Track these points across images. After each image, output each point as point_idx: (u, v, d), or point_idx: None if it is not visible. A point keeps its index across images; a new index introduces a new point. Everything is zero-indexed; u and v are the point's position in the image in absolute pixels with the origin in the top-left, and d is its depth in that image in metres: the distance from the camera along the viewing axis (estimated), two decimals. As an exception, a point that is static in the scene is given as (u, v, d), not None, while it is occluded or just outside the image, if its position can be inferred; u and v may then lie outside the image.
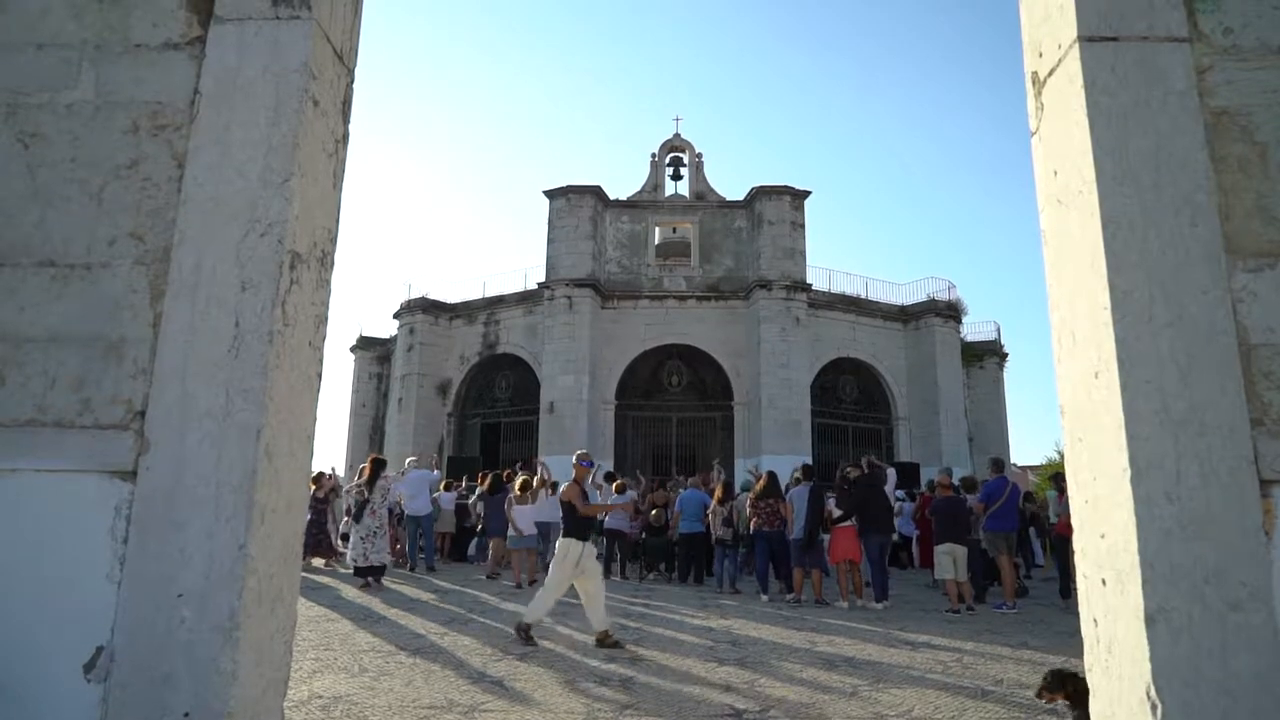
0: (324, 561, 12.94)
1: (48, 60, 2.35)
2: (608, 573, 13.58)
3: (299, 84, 2.30)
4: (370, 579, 10.73)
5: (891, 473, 12.28)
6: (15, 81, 2.33)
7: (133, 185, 2.27)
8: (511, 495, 12.23)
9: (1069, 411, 2.23)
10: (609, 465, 19.71)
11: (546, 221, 22.77)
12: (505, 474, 14.12)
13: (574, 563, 7.14)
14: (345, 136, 2.61)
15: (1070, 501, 2.24)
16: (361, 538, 10.87)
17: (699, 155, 24.68)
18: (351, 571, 12.04)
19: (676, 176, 24.83)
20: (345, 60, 2.60)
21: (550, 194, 22.83)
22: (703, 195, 24.01)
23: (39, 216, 2.25)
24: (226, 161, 2.25)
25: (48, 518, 2.05)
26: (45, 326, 2.19)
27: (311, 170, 2.35)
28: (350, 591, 10.25)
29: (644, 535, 13.48)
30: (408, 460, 15.03)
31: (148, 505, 2.04)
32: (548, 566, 12.43)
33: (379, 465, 11.65)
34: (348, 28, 2.62)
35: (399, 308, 25.32)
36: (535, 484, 12.35)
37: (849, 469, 11.73)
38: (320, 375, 2.46)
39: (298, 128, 2.27)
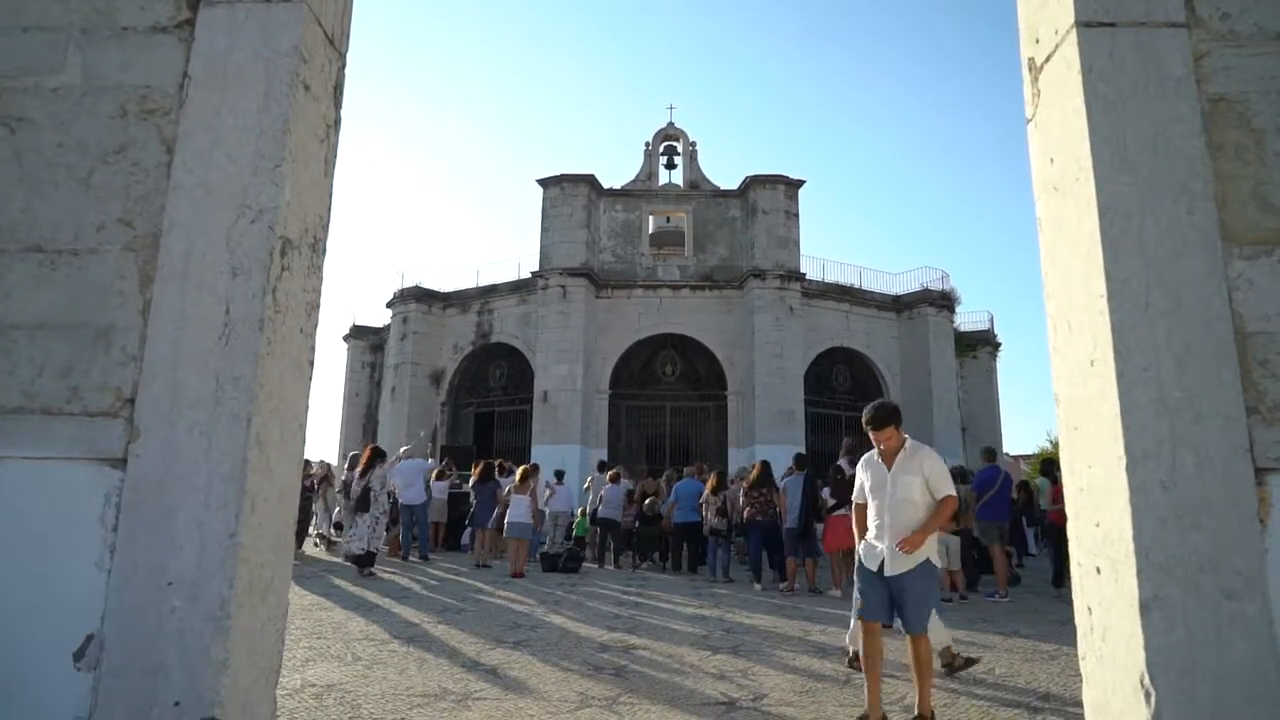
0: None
1: (34, 43, 2.32)
2: (601, 562, 13.63)
3: (290, 68, 2.27)
4: (366, 567, 10.82)
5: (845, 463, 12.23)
6: (0, 65, 2.29)
7: (121, 171, 2.24)
8: (511, 485, 12.27)
9: (1064, 400, 2.22)
10: (603, 454, 19.76)
11: (540, 210, 22.71)
12: (499, 463, 14.12)
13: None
14: (337, 122, 2.58)
15: (1065, 489, 2.24)
16: (368, 526, 10.99)
17: (693, 144, 24.62)
18: (343, 558, 12.09)
19: (670, 165, 24.79)
20: (337, 44, 2.57)
21: (544, 183, 22.76)
22: (697, 184, 23.97)
23: (26, 202, 2.22)
24: (216, 147, 2.22)
25: (36, 505, 2.03)
26: (33, 313, 2.16)
27: (303, 155, 2.33)
28: (343, 579, 10.25)
29: (637, 525, 13.50)
30: (401, 450, 15.02)
31: (138, 493, 2.03)
32: (544, 557, 12.54)
33: (377, 454, 11.72)
34: (339, 11, 2.58)
35: (392, 297, 25.27)
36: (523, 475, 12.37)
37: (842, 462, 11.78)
38: (312, 363, 2.44)
39: (289, 112, 2.24)
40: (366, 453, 11.89)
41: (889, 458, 4.29)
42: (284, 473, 2.25)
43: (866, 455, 4.57)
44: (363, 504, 11.16)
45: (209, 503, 2.02)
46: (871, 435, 4.29)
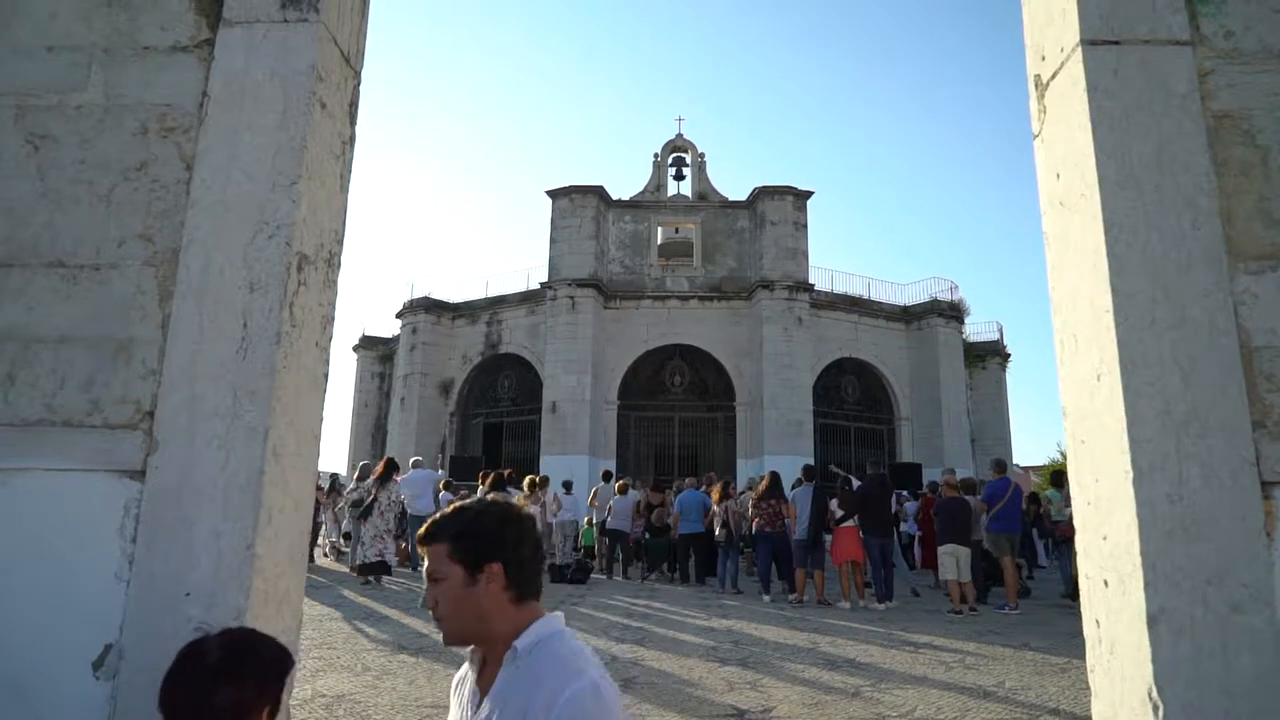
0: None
1: (57, 63, 2.36)
2: (609, 573, 13.62)
3: (307, 86, 2.32)
4: (372, 577, 10.93)
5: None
6: (25, 84, 2.34)
7: (141, 187, 2.29)
8: (519, 495, 12.32)
9: (1071, 414, 2.24)
10: (611, 465, 19.76)
11: (549, 221, 22.81)
12: (508, 473, 14.15)
13: None
14: (352, 138, 2.63)
15: (1073, 502, 2.25)
16: (372, 537, 11.11)
17: (702, 155, 24.70)
18: (349, 568, 12.16)
19: (679, 177, 24.86)
20: (352, 62, 2.62)
21: (553, 194, 22.86)
22: (705, 195, 24.02)
23: (48, 218, 2.26)
24: (234, 164, 2.26)
25: (57, 516, 2.07)
26: (54, 327, 2.20)
27: (319, 172, 2.37)
28: (353, 591, 10.27)
29: (646, 536, 13.49)
30: (411, 460, 15.08)
31: (156, 505, 2.06)
32: (552, 568, 12.56)
33: (391, 466, 11.90)
34: (355, 30, 2.63)
35: (401, 307, 25.38)
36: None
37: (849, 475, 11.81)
38: (326, 376, 2.48)
39: (305, 130, 2.28)
40: (383, 463, 12.09)
41: (488, 666, 1.62)
42: (299, 484, 2.28)
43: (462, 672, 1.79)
44: (365, 513, 11.31)
45: (226, 514, 2.05)
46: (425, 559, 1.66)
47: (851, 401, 23.49)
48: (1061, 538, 11.48)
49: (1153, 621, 1.86)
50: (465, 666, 1.69)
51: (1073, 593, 10.59)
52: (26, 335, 2.19)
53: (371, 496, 11.44)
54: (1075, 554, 2.20)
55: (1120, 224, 2.07)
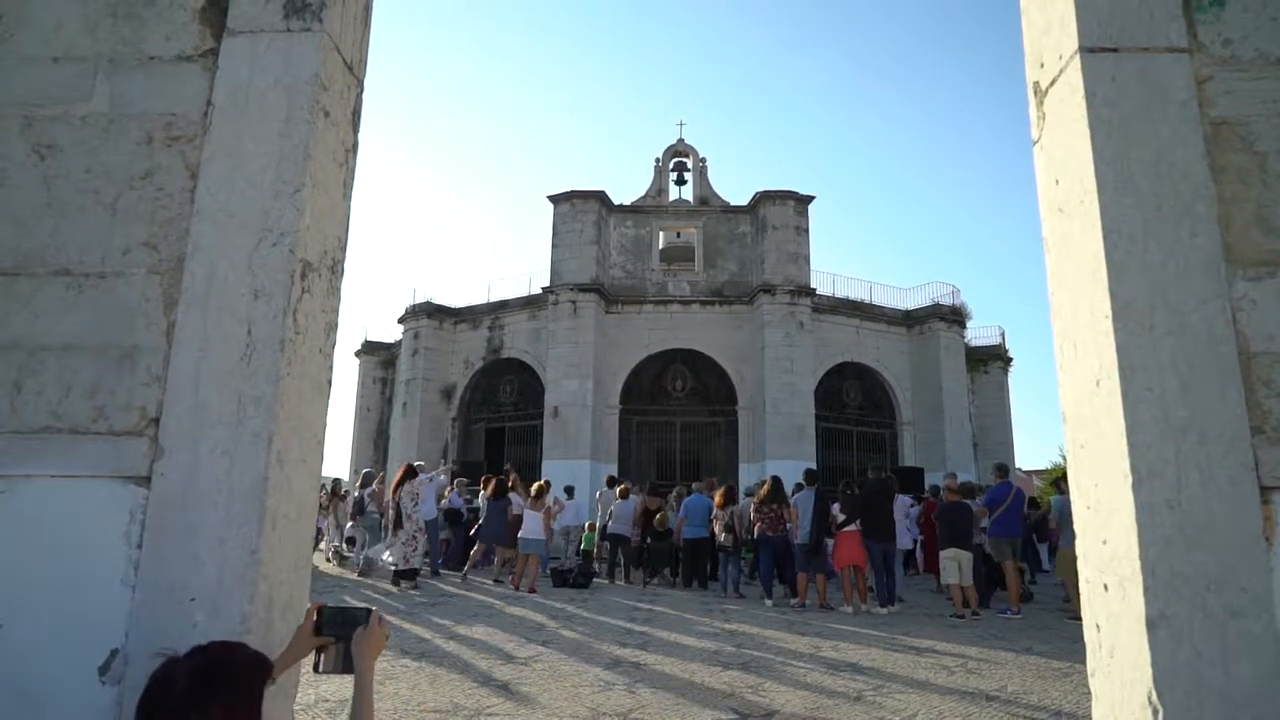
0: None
1: (63, 73, 2.38)
2: (612, 577, 13.61)
3: (310, 95, 2.33)
4: (403, 582, 11.22)
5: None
6: (31, 94, 2.36)
7: (146, 196, 2.30)
8: (525, 502, 12.39)
9: (1071, 419, 2.25)
10: (613, 470, 19.76)
11: (551, 226, 22.82)
12: (511, 480, 14.17)
13: None
14: (355, 146, 2.64)
15: (1073, 506, 2.26)
16: (403, 542, 11.39)
17: (703, 160, 24.72)
18: (360, 574, 12.20)
19: (680, 181, 24.89)
20: (355, 71, 2.63)
21: (554, 199, 22.88)
22: (707, 200, 24.04)
23: (54, 226, 2.28)
24: (239, 172, 2.28)
25: (63, 523, 2.08)
26: (60, 335, 2.21)
27: (322, 180, 2.38)
28: (354, 596, 10.28)
29: (648, 540, 13.48)
30: (416, 465, 15.10)
31: (161, 511, 2.07)
32: (555, 572, 12.55)
33: (409, 473, 12.13)
34: (358, 39, 2.65)
35: (403, 312, 25.40)
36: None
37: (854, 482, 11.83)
38: (330, 382, 2.49)
39: (309, 138, 2.30)
40: (401, 470, 12.33)
41: None
42: (303, 490, 2.29)
43: None
44: (397, 521, 11.63)
45: (230, 520, 2.06)
46: None
47: (853, 406, 23.48)
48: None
49: (1152, 626, 1.86)
50: None
51: (1065, 597, 10.60)
52: (33, 343, 2.20)
53: (396, 503, 11.69)
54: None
55: (1119, 230, 2.08)
